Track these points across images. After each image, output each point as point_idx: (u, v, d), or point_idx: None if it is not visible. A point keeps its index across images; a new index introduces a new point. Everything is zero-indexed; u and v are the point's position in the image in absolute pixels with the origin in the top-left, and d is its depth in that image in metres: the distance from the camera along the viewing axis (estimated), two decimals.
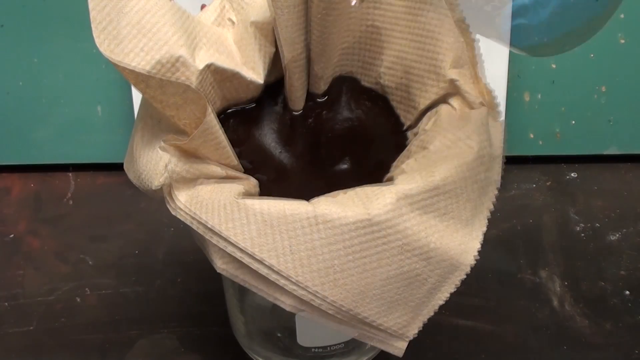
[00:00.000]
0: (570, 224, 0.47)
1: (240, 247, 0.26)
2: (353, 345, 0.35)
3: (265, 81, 0.33)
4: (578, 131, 0.48)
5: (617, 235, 0.46)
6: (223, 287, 0.38)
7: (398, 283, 0.28)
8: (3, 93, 0.49)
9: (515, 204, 0.48)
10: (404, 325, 0.28)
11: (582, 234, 0.47)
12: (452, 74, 0.31)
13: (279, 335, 0.37)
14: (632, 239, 0.46)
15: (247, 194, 0.29)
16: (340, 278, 0.26)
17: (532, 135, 0.48)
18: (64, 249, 0.47)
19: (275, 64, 0.33)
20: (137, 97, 0.48)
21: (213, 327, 0.41)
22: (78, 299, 0.44)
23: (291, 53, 0.32)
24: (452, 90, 0.32)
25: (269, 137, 0.35)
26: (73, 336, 0.42)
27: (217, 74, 0.31)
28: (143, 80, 0.25)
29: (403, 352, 0.29)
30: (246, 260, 0.26)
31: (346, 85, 0.35)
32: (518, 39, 0.22)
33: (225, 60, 0.31)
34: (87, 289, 0.45)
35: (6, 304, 0.44)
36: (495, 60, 0.45)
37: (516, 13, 0.22)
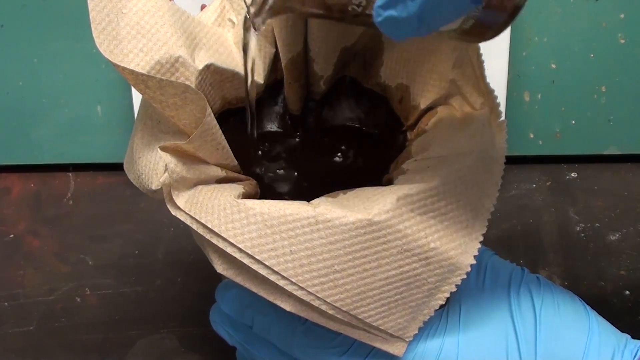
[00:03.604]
0: (570, 224, 0.47)
1: (240, 247, 0.26)
2: None
3: (265, 81, 0.33)
4: (578, 131, 0.48)
5: (617, 235, 0.46)
6: None
7: (398, 283, 0.28)
8: (3, 93, 0.49)
9: (515, 204, 0.48)
10: (403, 326, 0.28)
11: (582, 234, 0.47)
12: (454, 74, 0.31)
13: None
14: (632, 239, 0.46)
15: (247, 195, 0.29)
16: (339, 278, 0.26)
17: (532, 135, 0.48)
18: (64, 249, 0.47)
19: (275, 64, 0.33)
20: (137, 97, 0.48)
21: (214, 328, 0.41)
22: (78, 299, 0.44)
23: (290, 53, 0.32)
24: (453, 91, 0.32)
25: (269, 137, 0.35)
26: (73, 336, 0.42)
27: (217, 74, 0.31)
28: (142, 80, 0.25)
29: (403, 352, 0.29)
30: (246, 261, 0.26)
31: (346, 86, 0.35)
32: (390, 31, 0.22)
33: (225, 61, 0.31)
34: (87, 289, 0.45)
35: (6, 304, 0.44)
36: (495, 60, 0.45)
37: (387, 5, 0.22)
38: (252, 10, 0.27)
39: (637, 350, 0.29)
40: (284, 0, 0.26)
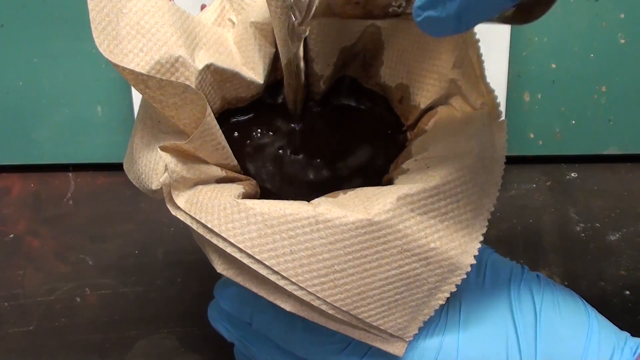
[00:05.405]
0: (570, 224, 0.47)
1: (240, 247, 0.26)
2: None
3: (265, 81, 0.33)
4: (578, 131, 0.48)
5: (617, 235, 0.46)
6: None
7: (398, 283, 0.28)
8: (3, 93, 0.49)
9: (515, 204, 0.48)
10: (403, 325, 0.28)
11: (582, 234, 0.47)
12: (454, 74, 0.31)
13: None
14: (632, 239, 0.46)
15: (247, 195, 0.29)
16: (340, 278, 0.26)
17: (532, 135, 0.48)
18: (64, 249, 0.47)
19: (275, 64, 0.33)
20: (137, 97, 0.48)
21: (213, 327, 0.41)
22: (78, 299, 0.44)
23: (290, 53, 0.32)
24: (453, 91, 0.32)
25: (268, 137, 0.34)
26: (73, 336, 0.42)
27: (216, 74, 0.31)
28: (142, 80, 0.25)
29: (403, 352, 0.29)
30: (246, 260, 0.26)
31: (346, 86, 0.35)
32: (430, 30, 0.23)
33: (225, 61, 0.31)
34: (87, 289, 0.45)
35: (6, 304, 0.44)
36: (495, 60, 0.45)
37: (426, 5, 0.23)
38: (297, 20, 0.27)
39: (637, 348, 0.29)
40: (327, 8, 0.26)
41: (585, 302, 0.32)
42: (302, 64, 0.31)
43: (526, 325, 0.30)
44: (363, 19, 0.27)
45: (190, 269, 0.46)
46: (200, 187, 0.28)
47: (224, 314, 0.34)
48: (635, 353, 0.29)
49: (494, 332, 0.30)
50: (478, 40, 0.31)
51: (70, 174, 0.50)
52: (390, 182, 0.31)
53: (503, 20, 0.24)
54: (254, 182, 0.31)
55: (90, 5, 0.26)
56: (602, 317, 0.31)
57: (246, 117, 0.34)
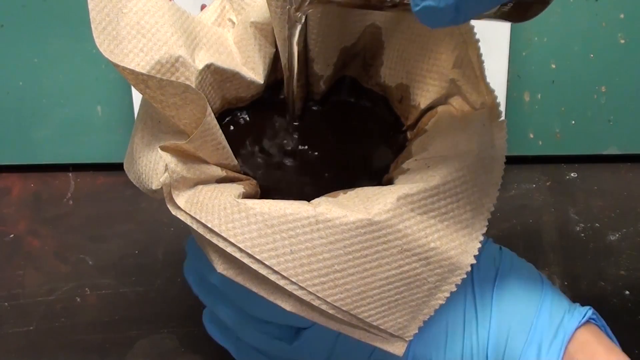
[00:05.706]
0: (570, 224, 0.47)
1: (241, 247, 0.26)
2: None
3: (265, 81, 0.33)
4: (578, 131, 0.48)
5: (617, 235, 0.46)
6: None
7: (398, 283, 0.28)
8: (3, 93, 0.49)
9: (515, 204, 0.48)
10: (403, 325, 0.28)
11: (582, 234, 0.47)
12: (454, 74, 0.31)
13: None
14: (632, 239, 0.46)
15: (247, 195, 0.29)
16: (340, 278, 0.26)
17: (532, 135, 0.48)
18: (64, 249, 0.47)
19: (275, 64, 0.33)
20: (137, 97, 0.48)
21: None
22: (78, 299, 0.44)
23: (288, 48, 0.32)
24: (453, 91, 0.32)
25: (269, 137, 0.35)
26: (73, 336, 0.42)
27: (217, 74, 0.31)
28: (142, 80, 0.25)
29: (403, 352, 0.29)
30: (246, 260, 0.26)
31: (346, 86, 0.35)
32: (428, 20, 0.23)
33: (225, 61, 0.31)
34: (87, 289, 0.45)
35: (6, 304, 0.44)
36: (495, 60, 0.45)
37: None
38: (293, 6, 0.27)
39: (587, 312, 0.31)
40: None
41: (542, 274, 0.33)
42: (295, 62, 0.30)
43: (483, 287, 0.32)
44: (360, 8, 0.27)
45: None
46: (200, 187, 0.28)
47: (195, 269, 0.35)
48: (584, 315, 0.31)
49: (454, 292, 0.31)
50: (478, 40, 0.31)
51: (70, 174, 0.50)
52: (390, 182, 0.31)
53: (500, 15, 0.24)
54: (254, 182, 0.31)
55: (90, 5, 0.26)
56: (557, 288, 0.33)
57: (246, 117, 0.34)
